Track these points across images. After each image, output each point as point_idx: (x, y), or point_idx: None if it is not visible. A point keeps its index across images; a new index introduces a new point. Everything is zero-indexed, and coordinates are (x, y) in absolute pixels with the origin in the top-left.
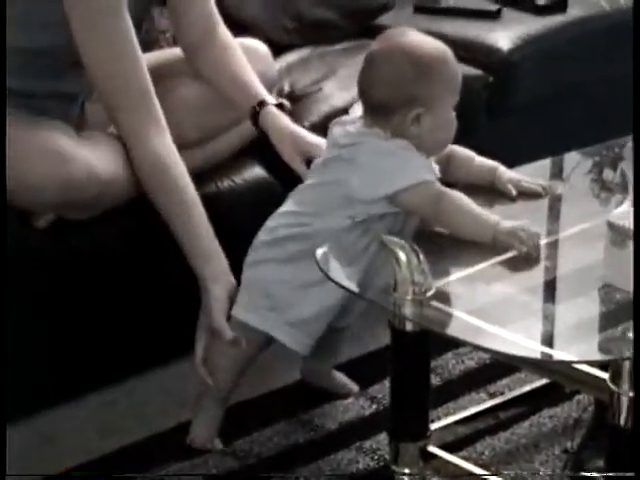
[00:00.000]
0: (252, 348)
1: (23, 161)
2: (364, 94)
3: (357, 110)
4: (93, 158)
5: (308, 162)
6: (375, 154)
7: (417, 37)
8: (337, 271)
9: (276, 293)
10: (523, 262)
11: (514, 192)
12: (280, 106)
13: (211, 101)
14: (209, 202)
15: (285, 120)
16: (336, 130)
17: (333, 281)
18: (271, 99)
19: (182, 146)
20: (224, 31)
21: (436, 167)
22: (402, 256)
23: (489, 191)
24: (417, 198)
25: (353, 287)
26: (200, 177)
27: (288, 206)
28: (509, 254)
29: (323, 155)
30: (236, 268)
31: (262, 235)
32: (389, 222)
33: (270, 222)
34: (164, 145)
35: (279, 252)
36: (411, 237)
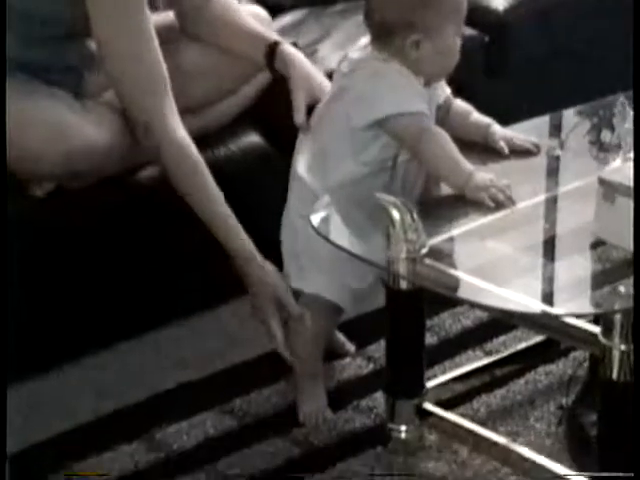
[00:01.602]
0: (320, 317)
1: (24, 131)
2: (368, 15)
3: (362, 42)
4: (92, 130)
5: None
6: (370, 77)
7: None
8: (336, 232)
9: (321, 254)
10: (517, 220)
11: (506, 150)
12: (295, 45)
13: (213, 65)
14: None
15: (303, 58)
16: (341, 64)
17: (331, 243)
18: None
19: (183, 112)
20: None
21: (442, 94)
22: (395, 214)
23: (484, 148)
24: (402, 127)
25: (351, 248)
26: (196, 144)
27: (304, 159)
28: (503, 212)
29: (330, 92)
30: None
31: (291, 194)
32: (400, 175)
33: (293, 176)
34: (182, 130)
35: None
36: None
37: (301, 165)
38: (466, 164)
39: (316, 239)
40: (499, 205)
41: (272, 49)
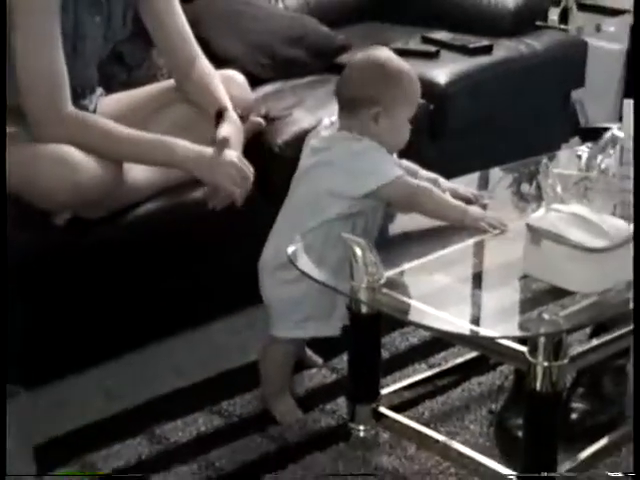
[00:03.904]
0: (298, 348)
1: (35, 167)
2: (338, 93)
3: (326, 121)
4: (98, 162)
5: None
6: (350, 155)
7: (390, 54)
8: (305, 264)
9: (305, 306)
10: (458, 256)
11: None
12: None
13: (195, 120)
14: (187, 210)
15: (239, 123)
16: (312, 140)
17: (302, 272)
18: (232, 109)
19: None
20: (204, 62)
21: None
22: (358, 251)
23: None
24: (395, 192)
25: (319, 277)
26: (185, 188)
27: (281, 223)
28: (451, 248)
29: (302, 165)
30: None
31: (267, 257)
32: (366, 218)
33: (272, 240)
34: None
35: (290, 274)
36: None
37: (274, 240)
38: (458, 203)
39: (296, 297)
40: (495, 229)
41: (219, 114)
